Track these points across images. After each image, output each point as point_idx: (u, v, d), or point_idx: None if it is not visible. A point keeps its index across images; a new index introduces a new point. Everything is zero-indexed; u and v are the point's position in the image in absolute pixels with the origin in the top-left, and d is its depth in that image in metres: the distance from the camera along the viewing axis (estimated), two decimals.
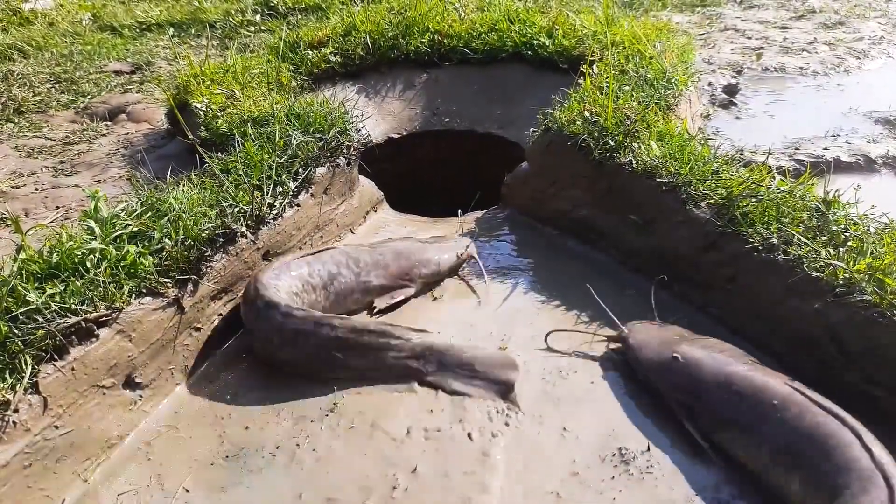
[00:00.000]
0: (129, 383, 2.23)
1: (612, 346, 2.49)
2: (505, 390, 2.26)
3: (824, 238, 2.34)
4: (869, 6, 7.10)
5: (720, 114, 4.53)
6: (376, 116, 4.25)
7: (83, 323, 2.07)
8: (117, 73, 5.75)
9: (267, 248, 2.79)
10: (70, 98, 5.11)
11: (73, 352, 2.04)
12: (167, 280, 2.35)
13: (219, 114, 3.53)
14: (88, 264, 2.22)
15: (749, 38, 6.18)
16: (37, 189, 3.72)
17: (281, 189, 2.89)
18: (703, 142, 3.07)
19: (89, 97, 5.12)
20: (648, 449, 2.06)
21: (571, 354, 2.46)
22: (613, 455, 2.04)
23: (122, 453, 2.14)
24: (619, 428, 2.15)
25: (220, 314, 2.60)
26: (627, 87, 3.39)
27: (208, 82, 3.92)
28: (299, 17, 6.90)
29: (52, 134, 4.50)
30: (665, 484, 1.95)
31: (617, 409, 2.23)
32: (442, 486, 1.96)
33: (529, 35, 4.42)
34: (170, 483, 2.04)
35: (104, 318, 2.14)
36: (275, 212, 2.83)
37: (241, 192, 2.75)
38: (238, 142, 3.11)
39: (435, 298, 2.84)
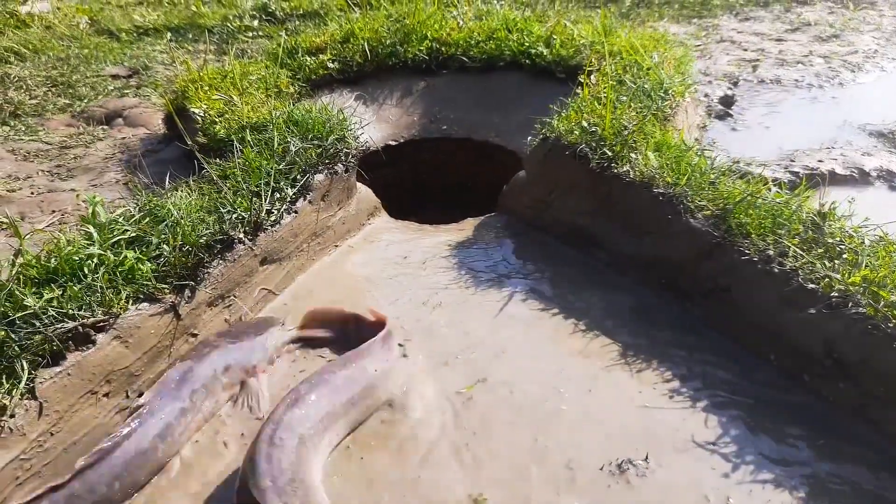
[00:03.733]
0: (126, 389, 2.22)
1: None
2: None
3: (820, 250, 2.35)
4: (863, 20, 7.16)
5: (716, 125, 4.56)
6: (374, 123, 4.26)
7: (81, 328, 2.07)
8: (114, 77, 5.75)
9: (265, 255, 2.79)
10: (67, 102, 5.11)
11: (70, 357, 2.04)
12: (165, 286, 2.35)
13: (217, 119, 3.53)
14: (86, 269, 2.21)
15: (745, 49, 6.23)
16: (33, 193, 3.71)
17: (279, 195, 2.90)
18: (699, 153, 3.09)
19: (86, 101, 5.12)
20: None
21: None
22: None
23: None
24: None
25: (219, 321, 2.60)
26: (625, 98, 3.41)
27: (206, 87, 3.92)
28: (297, 23, 6.93)
29: (48, 138, 4.49)
30: None
31: None
32: None
33: (527, 44, 4.45)
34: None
35: (102, 324, 2.13)
36: (273, 218, 2.83)
37: (240, 199, 2.75)
38: (236, 148, 3.11)
39: (434, 308, 2.84)
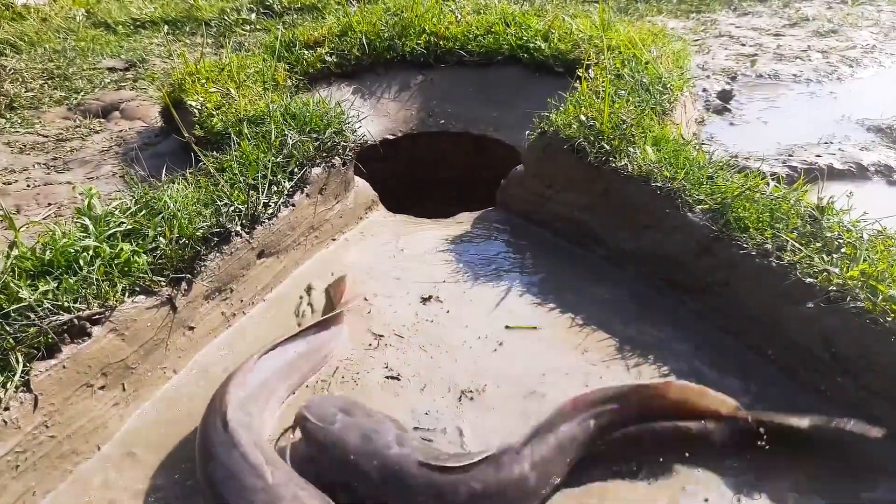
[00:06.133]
0: (121, 382, 2.21)
1: None
2: None
3: (818, 244, 2.35)
4: (861, 15, 7.16)
5: (714, 119, 4.56)
6: (372, 117, 4.25)
7: (76, 321, 2.06)
8: (111, 69, 5.72)
9: (262, 248, 2.78)
10: (63, 94, 5.08)
11: (65, 350, 2.02)
12: (161, 279, 2.34)
13: (214, 112, 3.52)
14: (82, 262, 2.20)
15: (743, 44, 6.22)
16: (29, 185, 3.70)
17: (276, 189, 2.88)
18: (697, 147, 3.09)
19: (82, 94, 5.09)
20: None
21: None
22: None
23: (112, 452, 2.12)
24: None
25: (216, 314, 2.59)
26: (623, 92, 3.40)
27: (203, 80, 3.90)
28: (295, 16, 6.90)
29: (44, 130, 4.47)
30: None
31: None
32: None
33: (525, 38, 4.44)
34: (159, 483, 2.02)
35: (97, 316, 2.12)
36: (270, 211, 2.82)
37: (237, 192, 2.74)
38: (233, 140, 3.10)
39: (427, 299, 2.83)
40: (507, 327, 2.65)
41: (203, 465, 1.89)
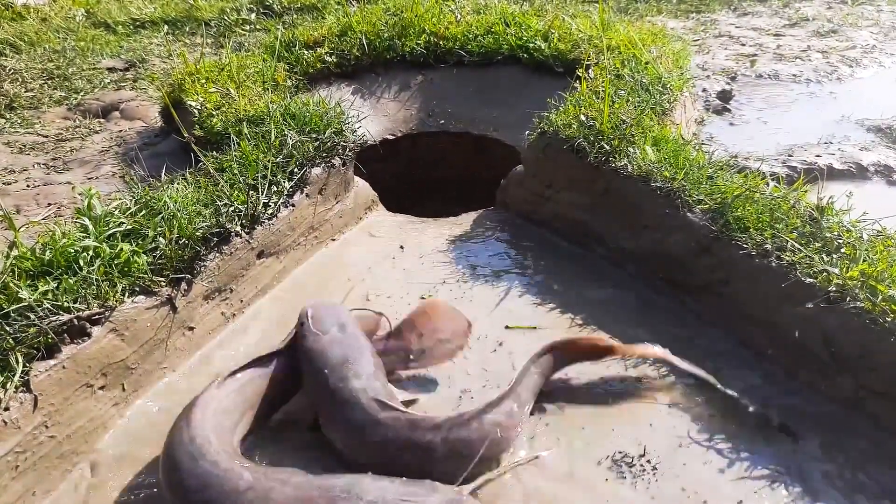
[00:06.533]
0: (121, 382, 2.22)
1: None
2: None
3: (817, 244, 2.35)
4: (861, 15, 7.16)
5: (714, 119, 4.56)
6: (372, 117, 4.25)
7: (76, 321, 2.06)
8: (111, 69, 5.72)
9: (261, 248, 2.78)
10: (63, 94, 5.08)
11: (65, 350, 2.02)
12: (161, 279, 2.34)
13: (214, 112, 3.52)
14: (82, 262, 2.20)
15: (743, 44, 6.22)
16: (28, 186, 3.70)
17: (276, 189, 2.89)
18: (697, 147, 3.09)
19: (82, 94, 5.09)
20: None
21: None
22: None
23: (112, 452, 2.12)
24: None
25: (215, 314, 2.59)
26: (623, 92, 3.41)
27: (203, 80, 3.90)
28: (295, 16, 6.90)
29: (44, 130, 4.47)
30: None
31: None
32: None
33: (525, 38, 4.44)
34: (158, 481, 2.02)
35: (97, 317, 2.12)
36: (270, 211, 2.82)
37: (236, 192, 2.75)
38: (233, 141, 3.10)
39: (426, 295, 2.83)
40: (506, 327, 2.65)
41: (172, 485, 1.81)
